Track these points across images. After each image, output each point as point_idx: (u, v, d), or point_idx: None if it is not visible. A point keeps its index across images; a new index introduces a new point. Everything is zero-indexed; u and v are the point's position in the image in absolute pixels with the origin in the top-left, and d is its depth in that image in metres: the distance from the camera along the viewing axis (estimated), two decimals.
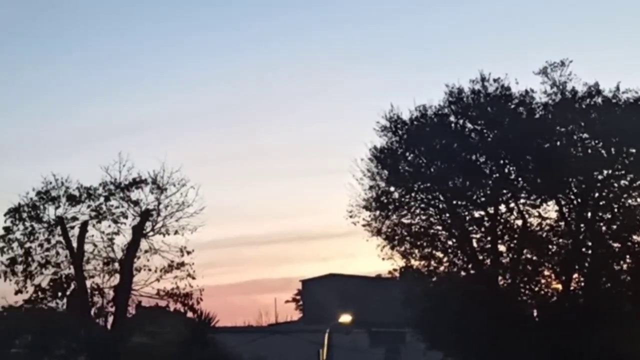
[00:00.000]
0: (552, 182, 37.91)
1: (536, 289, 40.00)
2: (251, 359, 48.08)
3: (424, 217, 40.23)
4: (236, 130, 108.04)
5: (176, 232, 37.96)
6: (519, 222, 39.42)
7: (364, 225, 40.11)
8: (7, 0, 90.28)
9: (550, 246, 39.56)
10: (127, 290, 37.35)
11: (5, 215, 37.32)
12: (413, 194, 39.85)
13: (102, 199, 38.02)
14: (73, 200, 37.67)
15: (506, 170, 39.19)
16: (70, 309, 37.78)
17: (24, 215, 37.39)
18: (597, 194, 38.53)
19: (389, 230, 40.02)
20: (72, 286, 37.46)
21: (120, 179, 38.05)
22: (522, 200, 39.29)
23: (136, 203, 38.08)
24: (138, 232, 37.63)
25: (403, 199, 39.91)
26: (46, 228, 37.50)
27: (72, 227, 37.62)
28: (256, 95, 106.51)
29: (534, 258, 39.63)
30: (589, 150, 38.04)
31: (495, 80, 38.74)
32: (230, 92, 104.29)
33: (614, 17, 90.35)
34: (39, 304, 37.32)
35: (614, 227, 38.66)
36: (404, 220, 40.12)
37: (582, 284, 39.12)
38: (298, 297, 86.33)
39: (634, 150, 37.70)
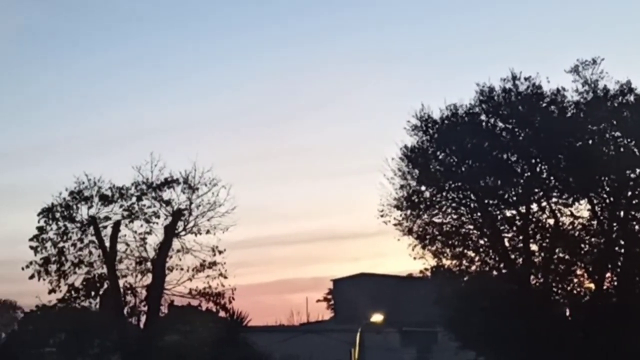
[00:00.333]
0: (584, 181, 37.72)
1: (569, 288, 39.81)
2: (283, 358, 48.16)
3: (455, 216, 40.14)
4: (268, 131, 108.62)
5: (208, 232, 38.09)
6: (551, 221, 39.24)
7: (395, 225, 40.13)
8: (37, 3, 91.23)
9: (582, 245, 39.35)
10: (159, 290, 37.50)
11: (38, 215, 37.55)
12: (444, 193, 39.76)
13: (134, 199, 38.17)
14: (105, 200, 37.82)
15: (538, 169, 38.97)
16: (104, 308, 38.02)
17: (57, 215, 37.57)
18: (629, 193, 38.32)
19: (420, 229, 39.98)
20: (105, 285, 37.68)
21: (152, 178, 38.25)
22: (554, 199, 39.12)
23: (168, 203, 38.21)
24: (170, 232, 37.76)
25: (434, 198, 39.83)
26: (79, 228, 37.69)
27: (105, 227, 37.84)
28: (288, 96, 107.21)
29: (567, 257, 39.43)
30: (621, 149, 37.82)
31: (526, 79, 38.59)
32: (262, 93, 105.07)
33: None
34: (72, 303, 37.50)
35: None
36: (435, 220, 40.09)
37: (615, 283, 38.89)
38: (329, 297, 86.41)
39: None
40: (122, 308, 37.66)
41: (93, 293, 37.63)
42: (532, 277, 39.33)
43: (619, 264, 38.69)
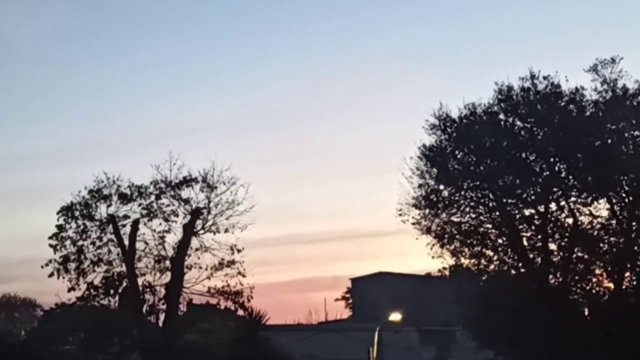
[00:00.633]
0: (603, 180, 37.57)
1: (588, 287, 39.76)
2: (302, 357, 48.18)
3: (473, 216, 40.08)
4: (289, 131, 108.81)
5: (226, 230, 38.15)
6: (570, 221, 39.17)
7: (413, 224, 40.11)
8: (61, 4, 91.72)
9: (601, 244, 39.25)
10: (178, 288, 37.58)
11: (58, 213, 37.78)
12: (462, 192, 39.68)
13: (153, 197, 38.28)
14: (124, 198, 37.95)
15: (556, 168, 38.85)
16: (123, 307, 38.15)
17: (77, 213, 37.78)
18: None
19: (439, 228, 39.93)
20: (124, 284, 37.81)
21: (171, 177, 38.37)
22: (572, 199, 39.02)
23: (187, 201, 38.29)
24: (189, 230, 37.86)
25: (452, 197, 39.77)
26: (98, 226, 37.86)
27: (124, 225, 37.94)
28: (310, 98, 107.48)
29: (585, 257, 39.34)
30: None
31: (545, 78, 38.45)
32: (284, 93, 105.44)
33: None
34: (91, 301, 37.68)
35: None
36: (454, 219, 40.03)
37: (634, 282, 38.79)
38: (347, 296, 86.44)
39: None
40: (141, 306, 37.82)
41: (112, 291, 37.79)
42: (550, 276, 39.25)
43: (638, 263, 38.57)
